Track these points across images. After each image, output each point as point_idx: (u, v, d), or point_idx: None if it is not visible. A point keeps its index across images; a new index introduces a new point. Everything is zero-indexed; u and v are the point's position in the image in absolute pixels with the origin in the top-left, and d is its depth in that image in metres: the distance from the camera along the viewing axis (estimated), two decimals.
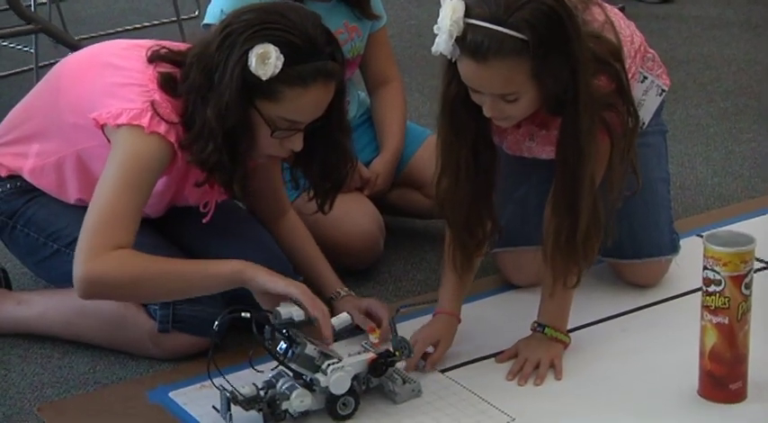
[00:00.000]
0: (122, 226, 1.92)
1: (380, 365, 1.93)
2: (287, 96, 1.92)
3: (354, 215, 2.37)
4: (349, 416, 1.91)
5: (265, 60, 1.89)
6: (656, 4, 3.98)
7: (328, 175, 2.09)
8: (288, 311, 1.88)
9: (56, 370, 2.10)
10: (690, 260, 2.27)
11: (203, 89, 1.94)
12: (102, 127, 1.97)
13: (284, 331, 1.87)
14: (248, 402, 1.84)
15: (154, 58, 2.01)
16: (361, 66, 2.55)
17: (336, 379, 1.87)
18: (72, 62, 2.15)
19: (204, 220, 2.11)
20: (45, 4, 3.91)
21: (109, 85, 2.00)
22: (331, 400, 1.89)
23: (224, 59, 1.92)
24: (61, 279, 2.10)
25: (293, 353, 1.86)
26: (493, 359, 2.10)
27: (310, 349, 1.86)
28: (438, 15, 1.86)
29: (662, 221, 2.31)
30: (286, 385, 1.87)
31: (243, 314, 1.86)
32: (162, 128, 1.95)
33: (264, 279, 1.92)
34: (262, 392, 1.87)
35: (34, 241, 2.16)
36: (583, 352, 2.10)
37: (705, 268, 1.96)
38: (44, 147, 2.11)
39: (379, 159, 2.49)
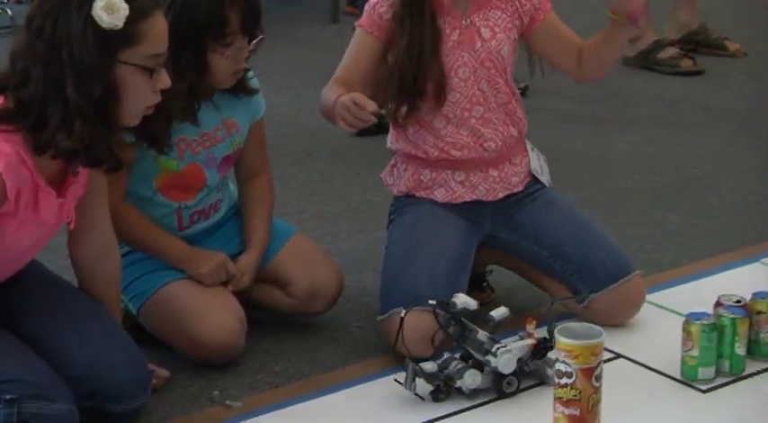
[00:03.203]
0: None
1: (541, 350, 2.21)
2: (145, 32, 1.98)
3: (217, 311, 2.36)
4: (513, 393, 2.22)
5: (113, 8, 1.93)
6: None
7: (163, 112, 2.10)
8: (463, 301, 2.22)
9: None
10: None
11: (54, 75, 1.93)
12: None
13: (460, 319, 2.22)
14: (430, 377, 2.19)
15: None
16: None
17: (505, 360, 2.19)
18: None
19: (71, 228, 2.11)
20: None
21: None
22: (498, 380, 2.21)
23: (64, 36, 1.93)
24: None
25: (467, 337, 2.21)
26: None
27: (482, 335, 2.21)
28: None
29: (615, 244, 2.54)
30: (458, 367, 2.20)
31: (430, 301, 2.23)
32: None
33: None
34: (442, 371, 2.20)
35: None
36: None
37: (557, 361, 2.02)
38: None
39: (246, 257, 2.47)
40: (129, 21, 1.95)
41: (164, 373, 2.31)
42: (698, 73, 4.42)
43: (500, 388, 2.21)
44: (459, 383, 2.20)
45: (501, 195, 2.50)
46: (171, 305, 2.36)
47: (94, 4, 1.93)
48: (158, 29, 2.01)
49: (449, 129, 2.46)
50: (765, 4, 5.32)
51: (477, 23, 2.44)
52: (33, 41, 1.96)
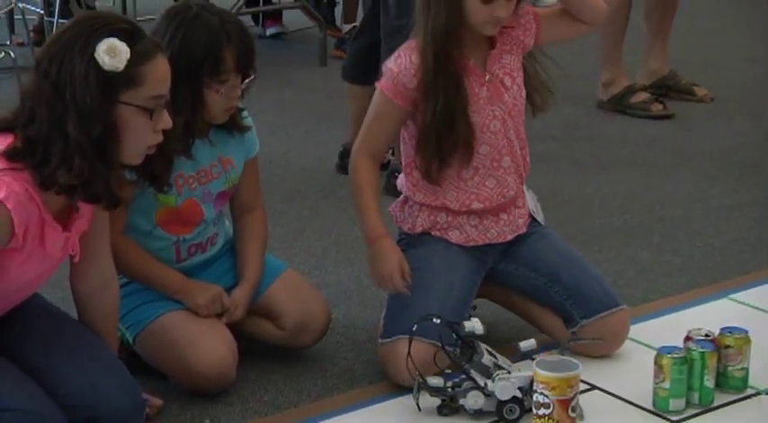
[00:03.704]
0: None
1: None
2: (146, 74, 2.03)
3: (211, 342, 2.41)
4: (515, 421, 2.25)
5: (115, 52, 2.00)
6: None
7: (164, 151, 2.18)
8: (471, 325, 2.27)
9: None
10: None
11: (58, 114, 2.00)
12: None
13: (468, 341, 2.25)
14: (433, 391, 2.27)
15: None
16: None
17: (501, 386, 2.24)
18: None
19: (76, 261, 2.18)
20: None
21: None
22: (500, 405, 2.25)
23: (68, 78, 2.00)
24: None
25: (472, 360, 2.24)
26: None
27: (486, 359, 2.26)
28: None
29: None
30: (468, 387, 2.27)
31: (434, 320, 2.26)
32: (1, 194, 1.97)
33: None
34: (449, 389, 2.28)
35: None
36: None
37: (535, 392, 2.12)
38: None
39: (239, 291, 2.54)
40: (131, 63, 2.02)
41: (157, 401, 2.37)
42: (668, 117, 4.55)
43: (501, 413, 2.26)
44: (462, 402, 2.27)
45: (510, 237, 2.58)
46: (166, 335, 2.43)
47: (97, 47, 2.00)
48: (159, 71, 2.08)
49: (476, 179, 2.52)
50: (731, 53, 5.52)
51: (500, 75, 2.50)
52: (41, 82, 2.03)
